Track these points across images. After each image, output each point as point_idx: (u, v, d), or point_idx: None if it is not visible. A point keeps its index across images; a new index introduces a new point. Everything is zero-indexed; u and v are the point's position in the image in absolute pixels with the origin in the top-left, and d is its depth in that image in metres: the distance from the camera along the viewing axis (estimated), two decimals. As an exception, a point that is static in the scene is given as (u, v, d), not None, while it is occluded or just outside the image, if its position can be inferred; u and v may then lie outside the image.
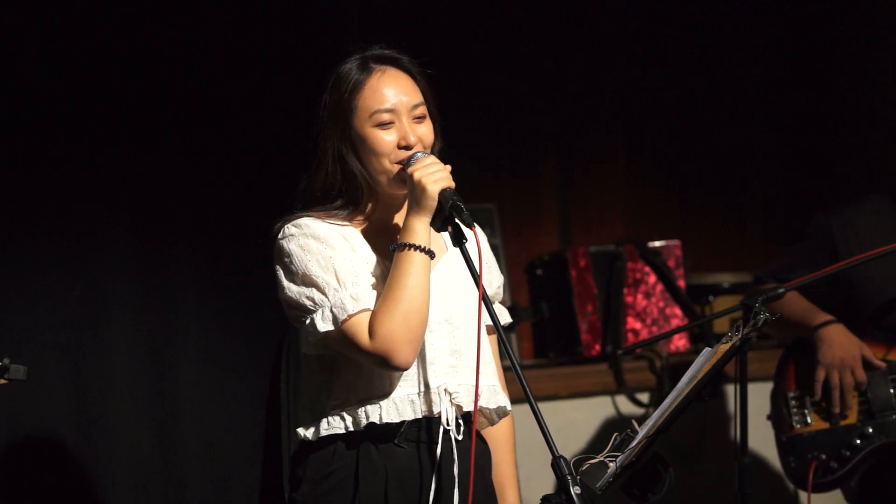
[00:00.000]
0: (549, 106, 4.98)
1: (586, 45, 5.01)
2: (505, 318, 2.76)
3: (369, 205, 2.67)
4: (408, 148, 2.61)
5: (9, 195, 3.82)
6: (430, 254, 2.54)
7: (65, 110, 3.86)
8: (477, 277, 2.51)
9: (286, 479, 3.84)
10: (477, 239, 2.53)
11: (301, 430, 2.64)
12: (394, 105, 2.62)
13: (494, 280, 2.78)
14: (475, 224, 2.55)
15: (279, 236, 2.61)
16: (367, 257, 2.61)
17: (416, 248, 2.53)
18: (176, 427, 3.98)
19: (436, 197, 2.53)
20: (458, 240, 2.54)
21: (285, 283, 2.58)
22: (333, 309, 2.52)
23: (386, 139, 2.61)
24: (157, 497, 3.95)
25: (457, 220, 2.53)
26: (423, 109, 2.65)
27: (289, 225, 2.61)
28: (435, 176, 2.53)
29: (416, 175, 2.54)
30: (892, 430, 3.65)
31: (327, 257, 2.55)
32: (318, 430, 2.60)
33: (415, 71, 2.68)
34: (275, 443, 3.93)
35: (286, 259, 2.58)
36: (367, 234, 2.64)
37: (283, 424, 3.88)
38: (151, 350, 3.96)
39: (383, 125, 2.61)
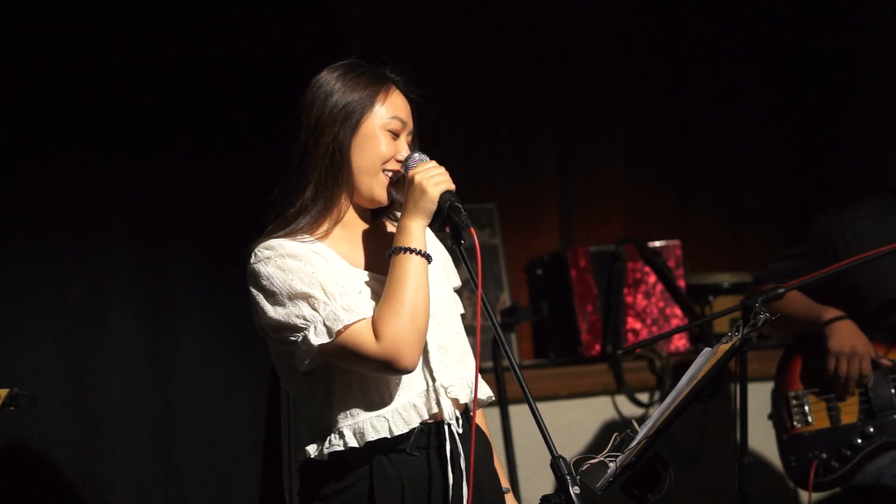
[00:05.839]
0: (550, 106, 4.98)
1: (586, 45, 5.01)
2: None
3: (336, 215, 2.62)
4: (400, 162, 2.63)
5: (9, 195, 3.82)
6: (428, 258, 2.53)
7: (64, 111, 3.86)
8: (476, 277, 2.50)
9: (286, 480, 3.85)
10: (476, 239, 2.51)
11: (309, 450, 2.58)
12: (406, 122, 2.65)
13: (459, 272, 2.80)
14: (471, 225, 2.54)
15: (252, 261, 2.55)
16: (344, 269, 2.57)
17: (415, 251, 2.51)
18: (176, 427, 3.97)
19: (436, 200, 2.52)
20: (457, 240, 2.54)
21: (267, 306, 2.52)
22: (326, 322, 2.47)
23: (389, 145, 2.61)
24: (157, 497, 3.95)
25: (455, 221, 2.52)
26: (411, 138, 2.68)
27: (260, 248, 2.55)
28: (435, 179, 2.52)
29: (417, 178, 2.52)
30: (893, 430, 3.66)
31: (309, 273, 2.50)
32: (326, 448, 2.54)
33: (411, 99, 2.70)
34: (275, 443, 3.94)
35: (265, 282, 2.52)
36: (338, 248, 2.60)
37: (283, 425, 3.89)
38: (151, 350, 3.96)
39: (393, 132, 2.62)
